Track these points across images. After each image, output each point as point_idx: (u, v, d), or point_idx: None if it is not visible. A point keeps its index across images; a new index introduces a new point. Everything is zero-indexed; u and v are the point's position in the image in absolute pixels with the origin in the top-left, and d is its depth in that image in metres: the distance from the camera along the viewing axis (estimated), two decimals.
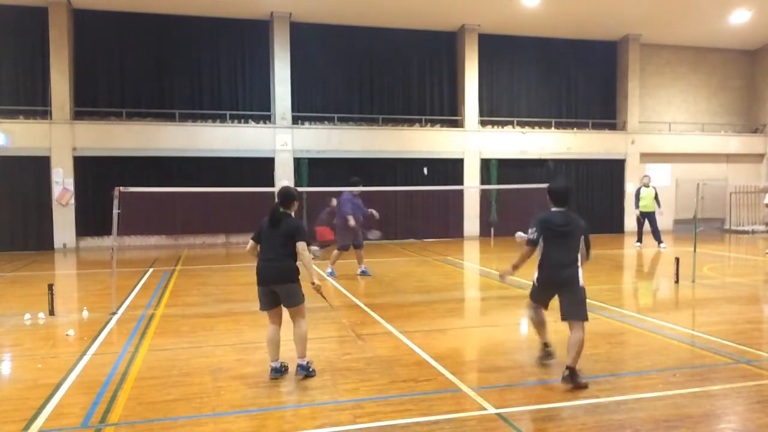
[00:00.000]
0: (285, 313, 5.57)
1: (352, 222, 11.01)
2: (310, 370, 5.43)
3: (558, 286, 5.67)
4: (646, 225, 15.99)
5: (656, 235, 15.81)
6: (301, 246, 5.41)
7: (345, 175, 17.80)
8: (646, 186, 16.02)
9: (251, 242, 5.71)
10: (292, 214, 5.64)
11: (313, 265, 5.49)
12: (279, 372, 5.46)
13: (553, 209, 5.68)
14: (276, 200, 5.66)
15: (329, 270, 11.46)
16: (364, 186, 11.64)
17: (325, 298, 5.59)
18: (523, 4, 17.23)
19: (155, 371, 5.63)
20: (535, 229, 5.63)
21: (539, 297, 5.92)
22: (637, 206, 16.25)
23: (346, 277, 11.40)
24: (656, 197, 15.91)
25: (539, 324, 5.99)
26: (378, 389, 5.08)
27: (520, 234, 8.69)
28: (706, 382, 5.24)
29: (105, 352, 6.34)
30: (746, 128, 22.37)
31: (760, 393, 4.96)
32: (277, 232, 5.47)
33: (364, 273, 11.50)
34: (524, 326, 7.69)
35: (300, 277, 5.48)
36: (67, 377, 5.45)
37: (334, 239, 12.57)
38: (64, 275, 12.44)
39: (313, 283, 5.39)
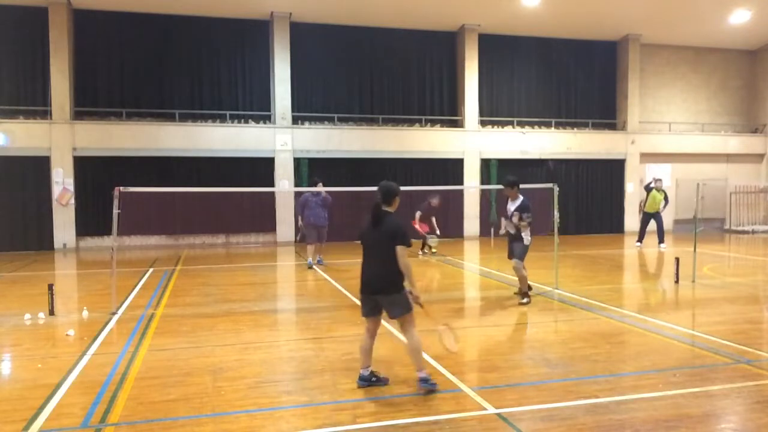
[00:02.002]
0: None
1: (300, 222, 12.98)
2: (430, 382, 4.94)
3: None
4: (651, 225, 15.91)
5: (660, 234, 15.78)
6: (400, 250, 4.94)
7: (345, 175, 17.93)
8: (658, 190, 15.82)
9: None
10: (393, 212, 5.18)
11: (412, 273, 5.01)
12: (367, 381, 5.09)
13: (521, 195, 8.88)
14: (378, 197, 5.17)
15: (318, 259, 13.01)
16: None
17: (422, 307, 5.12)
18: (523, 4, 17.23)
19: (155, 371, 5.63)
20: (529, 213, 8.66)
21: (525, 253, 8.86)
22: (647, 188, 16.11)
23: (347, 277, 11.40)
24: (665, 198, 15.80)
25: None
26: (378, 389, 5.08)
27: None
28: (706, 382, 5.24)
29: (105, 352, 6.34)
30: (746, 128, 22.37)
31: (760, 393, 4.96)
32: (379, 233, 5.03)
33: (311, 264, 12.77)
34: (524, 326, 7.69)
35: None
36: (67, 377, 5.45)
37: (428, 232, 14.59)
38: (64, 275, 12.44)
39: (410, 293, 5.00)
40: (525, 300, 8.66)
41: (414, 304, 5.05)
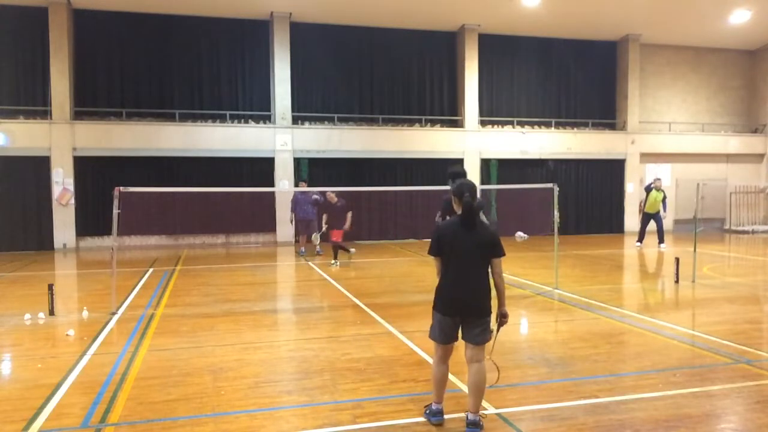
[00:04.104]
0: None
1: (290, 218, 14.97)
2: (481, 423, 4.20)
3: None
4: (651, 225, 15.92)
5: (660, 234, 15.80)
6: (500, 263, 4.23)
7: (345, 175, 17.94)
8: (658, 189, 15.85)
9: (437, 261, 4.28)
10: None
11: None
12: (441, 416, 4.30)
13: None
14: (461, 194, 4.23)
15: (318, 250, 14.74)
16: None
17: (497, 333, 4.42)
18: (523, 4, 17.23)
19: (155, 371, 5.63)
20: (440, 213, 6.85)
21: None
22: (648, 189, 16.06)
23: (346, 277, 11.41)
24: (664, 200, 15.82)
25: None
26: (378, 389, 5.08)
27: (519, 234, 8.80)
28: (706, 382, 5.24)
29: (105, 352, 6.34)
30: (746, 128, 22.37)
31: (760, 393, 4.96)
32: (475, 239, 4.17)
33: (302, 253, 14.85)
34: (524, 326, 7.70)
35: None
36: (67, 377, 5.45)
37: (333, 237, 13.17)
38: (64, 275, 12.44)
39: (505, 314, 4.26)
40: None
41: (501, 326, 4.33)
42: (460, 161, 19.09)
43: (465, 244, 4.18)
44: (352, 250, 13.51)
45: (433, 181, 18.45)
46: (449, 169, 6.88)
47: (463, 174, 6.75)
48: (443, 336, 4.27)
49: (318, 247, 14.69)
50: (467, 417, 4.22)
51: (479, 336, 4.20)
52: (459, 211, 4.27)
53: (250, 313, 8.25)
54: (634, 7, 18.14)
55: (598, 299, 8.90)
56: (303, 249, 14.96)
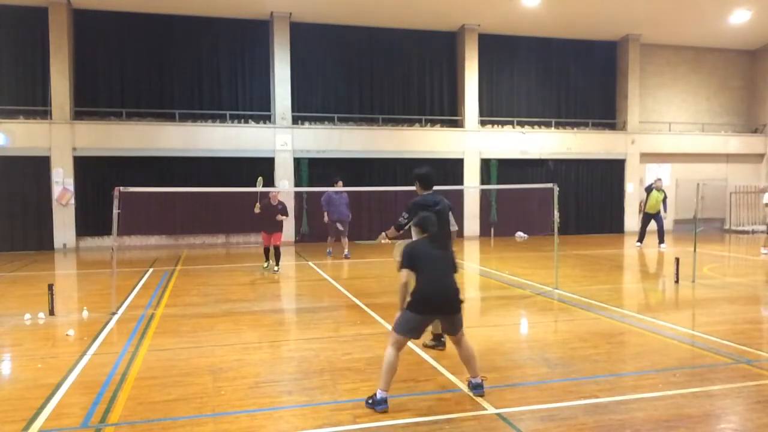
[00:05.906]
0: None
1: (325, 218, 14.20)
2: (483, 384, 4.90)
3: None
4: (652, 225, 15.93)
5: (661, 234, 15.81)
6: (457, 260, 4.91)
7: (345, 175, 17.88)
8: (659, 190, 15.87)
9: (405, 271, 4.76)
10: None
11: None
12: (387, 403, 4.60)
13: (425, 192, 6.28)
14: (425, 227, 4.91)
15: (328, 251, 14.71)
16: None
17: None
18: (523, 4, 17.23)
19: (155, 371, 5.63)
20: (407, 215, 6.11)
21: None
22: (648, 189, 16.10)
23: (346, 277, 11.41)
24: (664, 200, 15.84)
25: None
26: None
27: (519, 234, 8.78)
28: (706, 382, 5.24)
29: (105, 352, 6.34)
30: (746, 128, 22.37)
31: (760, 393, 4.96)
32: (443, 252, 4.84)
33: (346, 256, 14.24)
34: (524, 326, 7.70)
35: None
36: (67, 377, 5.45)
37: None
38: (64, 275, 12.44)
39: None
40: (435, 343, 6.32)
41: None
42: (460, 161, 19.12)
43: (436, 256, 4.79)
44: (275, 268, 12.08)
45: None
46: (419, 170, 6.26)
47: (433, 176, 6.36)
48: (412, 332, 4.76)
49: (329, 249, 14.76)
50: (471, 382, 4.89)
51: (457, 327, 4.83)
52: (419, 236, 4.94)
53: (250, 313, 8.25)
54: (634, 7, 18.14)
55: (598, 299, 8.90)
56: (345, 250, 14.23)
